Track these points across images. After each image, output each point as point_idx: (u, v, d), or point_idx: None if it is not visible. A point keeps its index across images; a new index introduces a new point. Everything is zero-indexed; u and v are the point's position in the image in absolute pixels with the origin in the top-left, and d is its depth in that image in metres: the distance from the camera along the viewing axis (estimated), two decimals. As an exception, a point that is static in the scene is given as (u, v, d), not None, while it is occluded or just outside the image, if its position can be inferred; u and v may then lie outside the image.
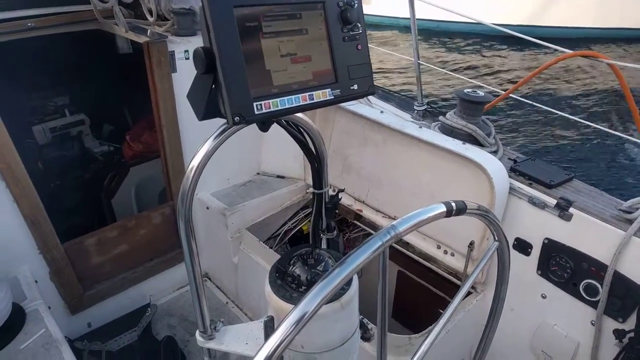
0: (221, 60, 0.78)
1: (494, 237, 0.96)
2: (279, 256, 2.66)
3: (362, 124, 2.56)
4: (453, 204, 0.79)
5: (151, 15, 2.50)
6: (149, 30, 2.41)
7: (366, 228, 2.72)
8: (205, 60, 0.78)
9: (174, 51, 2.41)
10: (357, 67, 0.94)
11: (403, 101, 2.95)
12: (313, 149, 1.16)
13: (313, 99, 0.88)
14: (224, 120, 0.81)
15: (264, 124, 0.96)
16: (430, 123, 2.53)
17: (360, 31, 0.94)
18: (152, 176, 3.27)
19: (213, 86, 0.81)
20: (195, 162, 0.99)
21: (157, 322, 2.85)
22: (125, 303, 2.81)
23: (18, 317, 1.90)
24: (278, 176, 3.14)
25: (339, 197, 1.34)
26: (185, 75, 2.48)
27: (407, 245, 2.49)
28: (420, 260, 2.44)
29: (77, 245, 2.47)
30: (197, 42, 2.55)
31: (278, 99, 0.84)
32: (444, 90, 9.24)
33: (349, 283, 1.07)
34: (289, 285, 1.08)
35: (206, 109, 0.83)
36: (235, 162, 2.96)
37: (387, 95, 3.02)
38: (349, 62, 0.93)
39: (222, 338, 1.23)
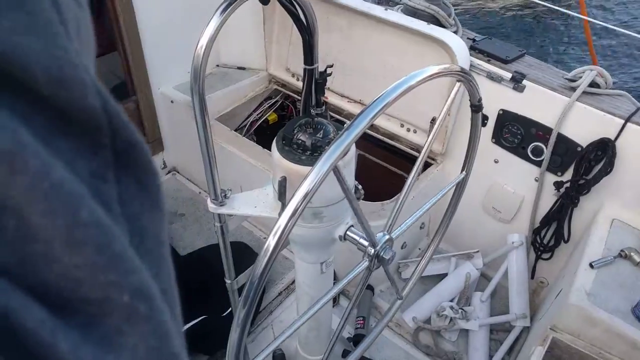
0: None
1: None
2: (252, 144, 2.74)
3: (326, 9, 2.55)
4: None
5: None
6: None
7: (333, 114, 2.84)
8: None
9: None
10: None
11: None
12: (304, 22, 1.22)
13: None
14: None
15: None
16: (392, 7, 2.57)
17: None
18: (101, 73, 3.15)
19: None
20: (204, 41, 1.05)
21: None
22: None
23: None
24: (239, 67, 3.12)
25: (329, 72, 1.43)
26: None
27: (370, 126, 2.65)
28: (385, 139, 2.62)
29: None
30: None
31: None
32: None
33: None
34: (295, 150, 1.20)
35: None
36: (194, 53, 2.88)
37: None
38: None
39: (232, 204, 1.36)
